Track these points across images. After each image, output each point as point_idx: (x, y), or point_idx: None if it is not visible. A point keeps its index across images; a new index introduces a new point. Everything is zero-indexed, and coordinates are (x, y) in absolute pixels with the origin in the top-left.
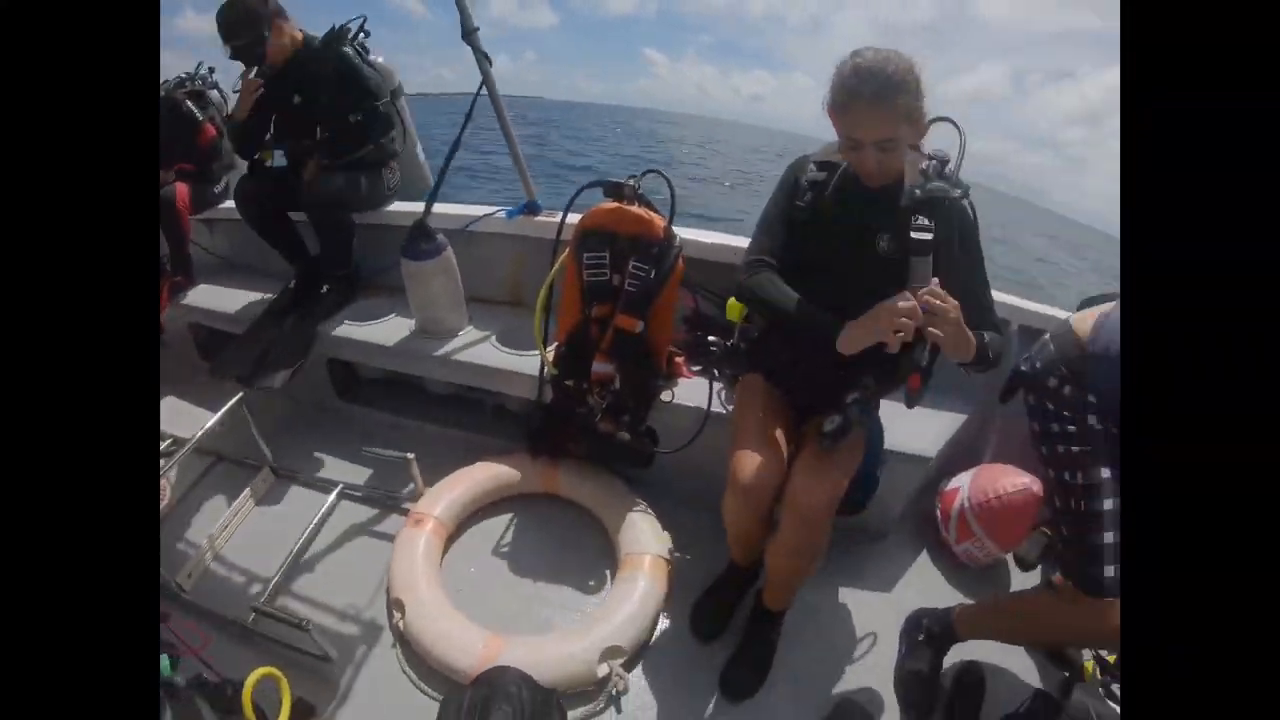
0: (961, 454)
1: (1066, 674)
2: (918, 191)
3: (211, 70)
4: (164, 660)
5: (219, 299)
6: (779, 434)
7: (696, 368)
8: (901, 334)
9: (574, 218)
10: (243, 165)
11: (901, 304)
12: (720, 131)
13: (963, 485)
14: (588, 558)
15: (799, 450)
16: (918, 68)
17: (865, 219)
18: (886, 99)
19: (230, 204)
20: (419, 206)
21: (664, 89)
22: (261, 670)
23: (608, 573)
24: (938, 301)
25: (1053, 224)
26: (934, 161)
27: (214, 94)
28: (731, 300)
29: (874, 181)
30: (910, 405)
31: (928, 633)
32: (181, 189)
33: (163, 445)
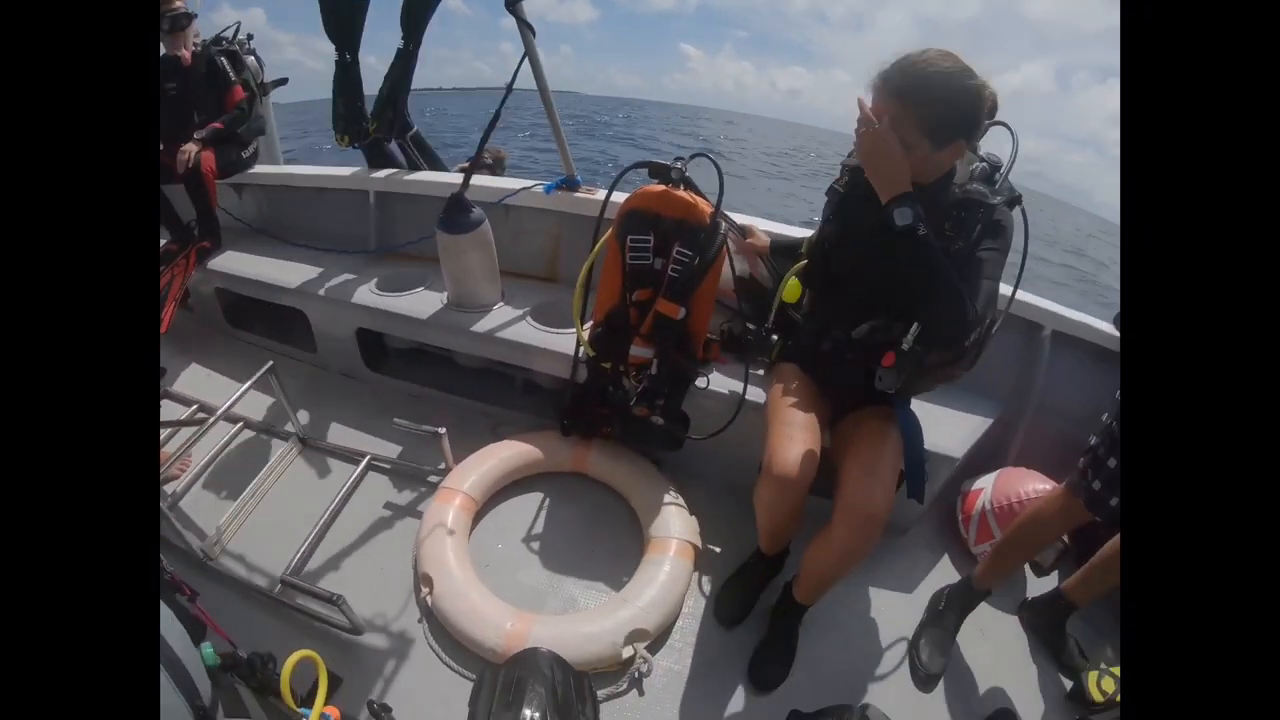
0: (986, 456)
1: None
2: (957, 191)
3: (250, 36)
4: (206, 649)
5: (246, 265)
6: (815, 425)
7: (731, 354)
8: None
9: (618, 197)
10: (274, 131)
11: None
12: (752, 124)
13: (986, 488)
14: (615, 539)
15: (848, 448)
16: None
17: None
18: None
19: (260, 168)
20: (456, 178)
21: (699, 83)
22: (300, 654)
23: (634, 555)
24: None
25: (1095, 226)
26: (984, 164)
27: (250, 60)
28: (790, 281)
29: None
30: (881, 383)
31: (947, 599)
32: (208, 155)
33: (189, 411)
